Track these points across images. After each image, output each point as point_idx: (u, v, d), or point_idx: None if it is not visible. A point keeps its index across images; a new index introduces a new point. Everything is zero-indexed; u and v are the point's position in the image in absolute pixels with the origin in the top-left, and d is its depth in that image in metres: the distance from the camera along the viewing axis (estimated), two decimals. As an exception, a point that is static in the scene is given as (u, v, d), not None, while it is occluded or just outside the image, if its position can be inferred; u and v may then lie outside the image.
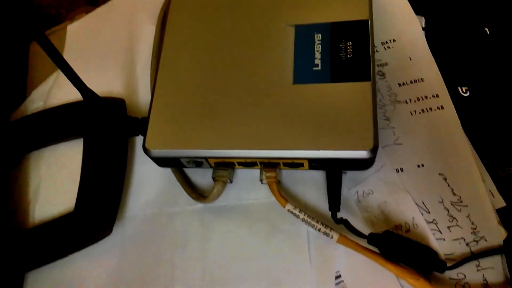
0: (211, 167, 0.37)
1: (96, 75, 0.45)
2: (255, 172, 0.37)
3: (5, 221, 0.41)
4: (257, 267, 0.36)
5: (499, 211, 0.35)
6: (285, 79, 0.35)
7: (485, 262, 0.33)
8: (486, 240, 0.33)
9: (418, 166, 0.36)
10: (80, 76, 0.36)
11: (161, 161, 0.37)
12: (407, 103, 0.39)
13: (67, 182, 0.40)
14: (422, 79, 0.40)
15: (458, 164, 0.36)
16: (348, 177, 0.37)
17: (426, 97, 0.39)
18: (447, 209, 0.35)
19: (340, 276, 0.34)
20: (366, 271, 0.34)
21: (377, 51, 0.42)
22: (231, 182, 0.38)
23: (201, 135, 0.35)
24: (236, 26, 0.39)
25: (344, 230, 0.34)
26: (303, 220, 0.34)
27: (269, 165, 0.35)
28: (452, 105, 0.38)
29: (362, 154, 0.32)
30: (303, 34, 0.37)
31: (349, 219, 0.34)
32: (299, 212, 0.34)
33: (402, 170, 0.37)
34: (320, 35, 0.36)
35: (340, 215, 0.34)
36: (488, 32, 0.43)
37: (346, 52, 0.35)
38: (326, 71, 0.35)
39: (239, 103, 0.35)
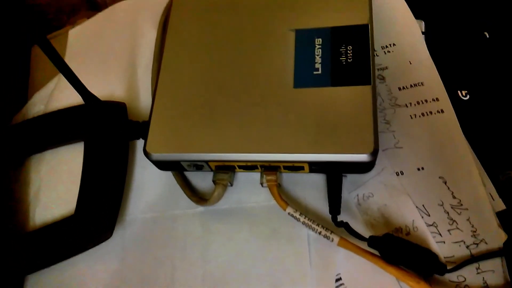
0: (211, 170, 0.37)
1: (97, 79, 0.45)
2: (256, 175, 0.37)
3: (5, 223, 0.41)
4: (257, 270, 0.36)
5: (499, 214, 0.35)
6: (286, 83, 0.35)
7: (485, 264, 0.33)
8: (486, 243, 0.33)
9: (418, 169, 0.37)
10: (81, 80, 0.36)
11: (162, 165, 0.37)
12: (407, 106, 0.39)
13: (68, 185, 0.40)
14: (422, 83, 0.40)
15: (458, 167, 0.36)
16: (349, 180, 0.37)
17: (426, 100, 0.39)
18: (447, 212, 0.35)
19: (340, 279, 0.34)
20: (366, 274, 0.34)
21: (377, 55, 0.42)
22: (231, 185, 0.38)
23: (202, 139, 0.35)
24: (237, 30, 0.39)
25: (344, 233, 0.34)
26: (303, 223, 0.34)
27: (269, 168, 0.36)
28: (452, 108, 0.38)
29: (363, 157, 0.32)
30: (304, 38, 0.37)
31: (349, 222, 0.34)
32: (299, 215, 0.34)
33: (402, 173, 0.37)
34: (320, 39, 0.37)
35: (340, 218, 0.34)
36: (487, 36, 0.43)
37: (347, 56, 0.35)
38: (326, 75, 0.35)
39: (240, 107, 0.35)
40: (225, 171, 0.37)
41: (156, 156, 0.36)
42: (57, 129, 0.43)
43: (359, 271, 0.34)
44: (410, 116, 0.39)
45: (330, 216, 0.34)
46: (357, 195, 0.37)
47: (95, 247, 0.38)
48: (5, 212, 0.42)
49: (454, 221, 0.34)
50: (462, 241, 0.34)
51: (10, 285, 0.39)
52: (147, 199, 0.40)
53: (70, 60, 0.47)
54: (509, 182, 0.37)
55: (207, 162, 0.35)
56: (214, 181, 0.37)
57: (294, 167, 0.35)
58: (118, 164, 0.40)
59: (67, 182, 0.41)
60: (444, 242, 0.34)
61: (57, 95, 0.47)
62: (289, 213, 0.35)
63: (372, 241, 0.33)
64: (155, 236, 0.38)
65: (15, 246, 0.38)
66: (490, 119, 0.39)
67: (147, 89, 0.44)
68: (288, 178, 0.38)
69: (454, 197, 0.35)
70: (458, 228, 0.34)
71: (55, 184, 0.42)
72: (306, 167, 0.35)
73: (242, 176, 0.39)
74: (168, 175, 0.40)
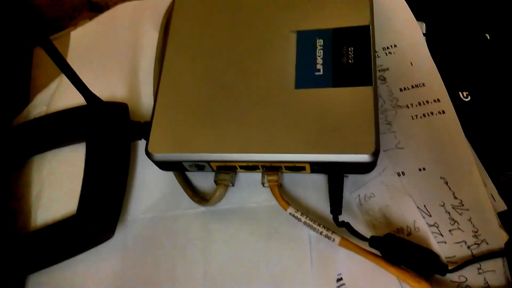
0: (213, 170, 0.37)
1: (99, 79, 0.46)
2: (257, 175, 0.37)
3: (7, 224, 0.41)
4: (258, 270, 0.36)
5: (500, 215, 0.35)
6: (287, 84, 0.36)
7: (486, 265, 0.33)
8: (487, 243, 0.33)
9: (420, 169, 0.37)
10: (83, 81, 0.36)
11: (164, 165, 0.38)
12: (408, 107, 0.39)
13: (70, 185, 0.40)
14: (423, 84, 0.40)
15: (459, 167, 0.36)
16: (350, 180, 0.37)
17: (427, 101, 0.39)
18: (449, 213, 0.35)
19: (341, 279, 0.34)
20: (367, 274, 0.34)
21: (378, 57, 0.42)
22: (233, 185, 0.38)
23: (203, 139, 0.35)
24: (239, 31, 0.39)
25: (345, 233, 0.34)
26: (304, 223, 0.34)
27: (271, 168, 0.36)
28: (453, 109, 0.38)
29: (364, 158, 0.32)
30: (305, 39, 0.37)
31: (350, 222, 0.34)
32: (300, 215, 0.35)
33: (403, 173, 0.37)
34: (322, 40, 0.37)
35: (341, 218, 0.34)
36: (488, 38, 0.43)
37: (348, 57, 0.35)
38: (328, 76, 0.35)
39: (241, 108, 0.35)
40: (226, 172, 0.37)
41: (158, 156, 0.36)
42: (59, 129, 0.43)
43: (360, 271, 0.34)
44: (412, 117, 0.39)
45: (332, 216, 0.34)
46: (359, 196, 0.37)
47: (96, 247, 0.39)
48: (7, 213, 0.42)
49: (456, 221, 0.34)
50: (463, 241, 0.34)
51: (12, 285, 0.39)
52: (149, 199, 0.40)
53: (72, 61, 0.47)
54: (510, 183, 0.37)
55: (208, 162, 0.36)
56: (215, 182, 0.37)
57: (296, 167, 0.35)
58: (120, 164, 0.40)
59: (69, 183, 0.41)
60: (445, 242, 0.34)
61: (59, 96, 0.47)
62: (290, 213, 0.35)
63: (373, 241, 0.33)
64: (156, 236, 0.39)
65: (16, 246, 0.38)
66: (491, 120, 0.40)
67: (149, 89, 0.44)
68: (289, 179, 0.38)
69: (455, 198, 0.35)
70: (459, 229, 0.34)
71: (57, 184, 0.42)
72: (308, 167, 0.35)
73: (243, 177, 0.39)
74: (169, 176, 0.40)
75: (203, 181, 0.40)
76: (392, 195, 0.36)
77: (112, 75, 0.46)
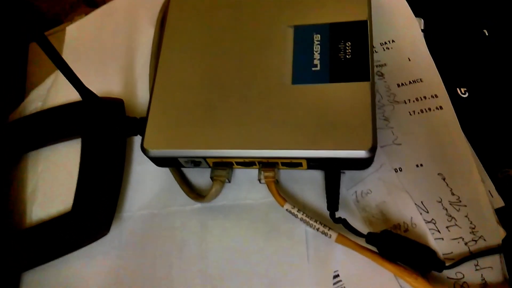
0: (209, 167, 0.37)
1: (95, 75, 0.46)
2: (254, 172, 0.37)
3: (2, 220, 0.41)
4: (255, 266, 0.36)
5: (498, 211, 0.35)
6: (284, 80, 0.35)
7: (483, 261, 0.33)
8: (484, 239, 0.33)
9: (417, 166, 0.36)
10: (79, 77, 0.36)
11: (159, 161, 0.37)
12: (406, 103, 0.39)
13: (65, 181, 0.40)
14: (421, 79, 0.40)
15: (457, 164, 0.36)
16: (347, 176, 0.37)
17: (425, 97, 0.39)
18: (446, 209, 0.35)
19: (338, 275, 0.34)
20: (364, 270, 0.34)
21: (376, 52, 0.42)
22: (229, 181, 0.38)
23: (200, 135, 0.35)
24: (235, 26, 0.39)
25: (342, 229, 0.34)
26: (301, 219, 0.34)
27: (267, 164, 0.35)
28: (451, 105, 0.38)
29: (361, 153, 0.32)
30: (302, 34, 0.37)
31: (347, 219, 0.34)
32: (297, 211, 0.34)
33: (401, 169, 0.37)
34: (319, 35, 0.36)
35: (338, 214, 0.34)
36: (486, 34, 0.43)
37: (345, 52, 0.35)
38: (325, 72, 0.35)
39: (238, 103, 0.35)
40: (223, 168, 0.37)
41: (154, 152, 0.35)
42: (54, 125, 0.43)
43: (357, 267, 0.34)
44: (409, 112, 0.39)
45: (328, 212, 0.34)
46: (356, 192, 0.36)
47: (92, 243, 0.38)
48: (2, 209, 0.41)
49: (453, 217, 0.34)
50: (460, 237, 0.34)
51: (7, 282, 0.38)
52: (145, 196, 0.40)
53: (68, 56, 0.47)
54: (507, 180, 0.37)
55: (204, 158, 0.35)
56: (211, 178, 0.37)
57: (292, 163, 0.35)
58: (115, 160, 0.40)
59: (64, 179, 0.41)
60: (442, 238, 0.34)
61: (55, 92, 0.47)
62: (287, 210, 0.35)
63: (370, 238, 0.33)
64: (152, 232, 0.38)
65: (12, 243, 0.38)
66: (489, 117, 0.39)
67: (144, 85, 0.44)
68: (286, 175, 0.38)
69: (453, 194, 0.35)
70: (456, 225, 0.34)
71: (52, 180, 0.42)
72: (304, 163, 0.34)
73: (240, 173, 0.39)
74: (165, 172, 0.40)
75: (199, 177, 0.40)
76: (389, 191, 0.36)
77: (108, 71, 0.46)
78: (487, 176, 0.37)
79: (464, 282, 0.32)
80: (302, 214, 0.34)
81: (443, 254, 0.33)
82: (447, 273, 0.33)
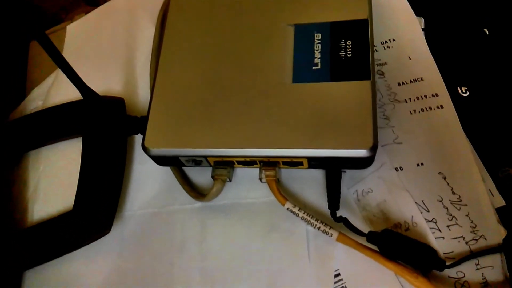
0: (210, 166, 0.37)
1: (96, 74, 0.45)
2: (255, 171, 0.37)
3: (4, 219, 0.41)
4: (256, 265, 0.36)
5: (498, 210, 0.35)
6: (285, 78, 0.35)
7: (484, 260, 0.33)
8: (485, 238, 0.33)
9: (418, 165, 0.37)
10: (79, 75, 0.36)
11: (160, 160, 0.37)
12: (406, 102, 0.39)
13: (66, 180, 0.40)
14: (421, 78, 0.40)
15: (458, 163, 0.36)
16: (348, 175, 0.37)
17: (425, 96, 0.39)
18: (447, 208, 0.35)
19: (339, 274, 0.34)
20: (365, 269, 0.34)
21: (376, 51, 0.42)
22: (230, 181, 0.38)
23: (201, 134, 0.35)
24: (236, 25, 0.39)
25: (343, 228, 0.34)
26: (302, 218, 0.34)
27: (268, 163, 0.35)
28: (452, 104, 0.38)
29: (362, 152, 0.32)
30: (303, 33, 0.37)
31: (348, 218, 0.34)
32: (298, 210, 0.34)
33: (401, 168, 0.37)
34: (319, 34, 0.36)
35: (339, 213, 0.34)
36: (487, 33, 0.43)
37: (346, 51, 0.35)
38: (325, 70, 0.35)
39: (239, 102, 0.35)
40: (224, 167, 0.37)
41: (155, 151, 0.35)
42: (55, 124, 0.43)
43: (358, 266, 0.34)
44: (410, 111, 0.38)
45: (329, 211, 0.34)
46: (356, 191, 0.36)
47: (93, 242, 0.38)
48: (3, 208, 0.41)
49: (454, 216, 0.34)
50: (461, 237, 0.34)
51: (9, 281, 0.39)
52: (146, 195, 0.40)
53: (68, 55, 0.46)
54: (508, 179, 0.37)
55: (205, 157, 0.35)
56: (213, 177, 0.37)
57: (293, 162, 0.35)
58: (116, 159, 0.40)
59: (65, 178, 0.41)
60: (443, 238, 0.34)
61: (55, 91, 0.47)
62: (288, 209, 0.35)
63: (371, 237, 0.33)
64: (153, 231, 0.38)
65: (13, 242, 0.38)
66: (490, 116, 0.39)
67: (145, 84, 0.44)
68: (287, 174, 0.38)
69: (453, 193, 0.35)
70: (457, 224, 0.34)
71: (53, 179, 0.42)
72: (305, 162, 0.34)
73: (241, 172, 0.39)
74: (166, 171, 0.40)
75: (200, 176, 0.40)
76: (390, 190, 0.36)
77: (109, 69, 0.46)
78: (488, 175, 0.36)
79: (465, 281, 0.32)
80: (303, 213, 0.34)
81: (443, 253, 0.33)
82: (448, 272, 0.33)
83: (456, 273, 0.33)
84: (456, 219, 0.34)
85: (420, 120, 0.38)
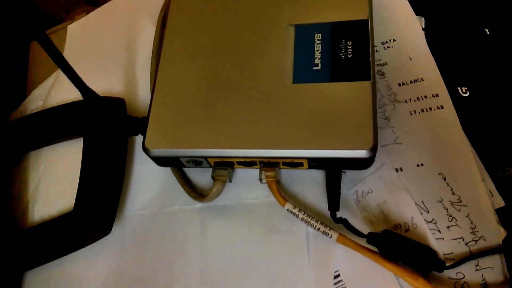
0: (210, 166, 0.37)
1: (96, 74, 0.45)
2: (255, 171, 0.37)
3: (4, 220, 0.41)
4: (256, 266, 0.36)
5: (498, 211, 0.35)
6: (285, 79, 0.35)
7: (484, 261, 0.33)
8: (485, 239, 0.33)
9: (418, 165, 0.36)
10: (80, 76, 0.36)
11: (161, 161, 0.37)
12: (406, 102, 0.39)
13: (67, 181, 0.40)
14: (422, 78, 0.40)
15: (458, 163, 0.36)
16: (348, 176, 0.37)
17: (426, 96, 0.39)
18: (447, 209, 0.35)
19: (339, 275, 0.34)
20: (365, 270, 0.34)
21: (377, 51, 0.42)
22: (230, 181, 0.38)
23: (201, 135, 0.35)
24: (236, 25, 0.39)
25: (343, 229, 0.34)
26: (302, 219, 0.34)
27: (268, 164, 0.35)
28: (452, 104, 0.38)
29: (362, 153, 0.32)
30: (303, 33, 0.37)
31: (348, 219, 0.34)
32: (298, 211, 0.34)
33: (401, 169, 0.37)
34: (320, 34, 0.36)
35: (339, 214, 0.34)
36: (488, 33, 0.43)
37: (346, 51, 0.35)
38: (326, 71, 0.35)
39: (239, 103, 0.35)
40: (224, 167, 0.37)
41: (155, 152, 0.35)
42: (56, 125, 0.43)
43: (358, 267, 0.34)
44: (410, 112, 0.38)
45: (329, 212, 0.34)
46: (356, 192, 0.36)
47: (94, 243, 0.38)
48: (4, 208, 0.42)
49: (454, 217, 0.34)
50: (461, 238, 0.34)
51: (9, 282, 0.39)
52: (146, 195, 0.40)
53: (69, 55, 0.47)
54: (508, 179, 0.37)
55: (206, 158, 0.35)
56: (213, 177, 0.37)
57: (293, 163, 0.35)
58: (117, 160, 0.40)
59: (66, 178, 0.41)
60: (443, 238, 0.34)
61: (56, 91, 0.47)
62: (288, 209, 0.35)
63: (370, 238, 0.33)
64: (153, 232, 0.38)
65: (14, 242, 0.38)
66: (490, 116, 0.39)
67: (146, 84, 0.44)
68: (287, 175, 0.38)
69: (453, 194, 0.35)
70: (457, 225, 0.34)
71: (54, 180, 0.42)
72: (305, 163, 0.34)
73: (241, 173, 0.39)
74: (167, 171, 0.40)
75: (201, 177, 0.40)
76: (390, 191, 0.36)
77: (109, 70, 0.46)
78: (488, 175, 0.36)
79: (465, 282, 0.32)
80: (303, 214, 0.34)
81: (443, 254, 0.33)
82: (448, 273, 0.33)
83: (456, 274, 0.33)
84: (456, 220, 0.34)
85: (420, 120, 0.38)
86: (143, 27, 0.48)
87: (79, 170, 0.39)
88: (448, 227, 0.34)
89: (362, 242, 0.33)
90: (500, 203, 0.35)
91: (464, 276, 0.33)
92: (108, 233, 0.38)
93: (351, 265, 0.34)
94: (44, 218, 0.40)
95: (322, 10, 0.37)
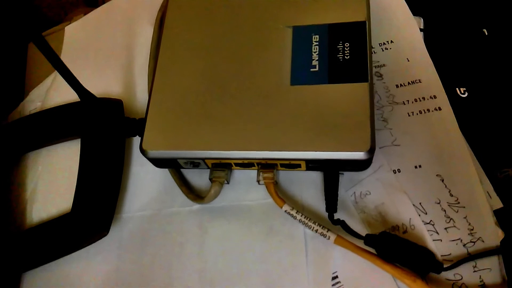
0: (208, 168, 0.37)
1: (94, 76, 0.46)
2: (252, 173, 0.37)
3: (2, 221, 0.41)
4: (254, 268, 0.36)
5: (496, 212, 0.35)
6: (283, 80, 0.35)
7: (482, 263, 0.33)
8: (483, 241, 0.33)
9: (416, 167, 0.36)
10: (78, 77, 0.36)
11: (158, 162, 0.37)
12: (404, 104, 0.39)
13: (64, 182, 0.40)
14: (419, 80, 0.40)
15: (456, 165, 0.36)
16: (346, 178, 0.37)
17: (423, 98, 0.39)
18: (444, 210, 0.35)
19: (337, 277, 0.34)
20: (363, 272, 0.34)
21: (374, 52, 0.42)
22: (228, 183, 0.38)
23: (198, 136, 0.35)
24: (234, 27, 0.39)
25: (341, 231, 0.34)
26: (300, 221, 0.34)
27: (266, 166, 0.35)
28: (450, 106, 0.38)
29: (360, 155, 0.32)
30: (301, 35, 0.37)
31: (346, 220, 0.34)
32: (296, 213, 0.34)
33: (399, 171, 0.37)
34: (317, 36, 0.36)
35: (337, 216, 0.34)
36: (486, 33, 0.43)
37: (344, 53, 0.35)
38: (323, 72, 0.35)
39: (236, 104, 0.35)
40: (221, 169, 0.37)
41: (153, 153, 0.35)
42: (53, 126, 0.43)
43: (356, 269, 0.34)
44: (408, 113, 0.38)
45: (327, 214, 0.34)
46: (354, 193, 0.36)
47: (91, 244, 0.38)
48: (1, 210, 0.41)
49: (451, 219, 0.34)
50: (459, 239, 0.34)
51: (7, 283, 0.39)
52: (144, 197, 0.40)
53: (67, 56, 0.48)
54: (506, 180, 0.37)
55: (203, 159, 0.35)
56: (210, 179, 0.37)
57: (291, 164, 0.35)
58: (114, 161, 0.40)
59: (63, 179, 0.41)
60: (441, 240, 0.34)
61: (54, 92, 0.47)
62: (285, 211, 0.35)
63: (368, 239, 0.33)
64: (151, 233, 0.38)
65: (12, 244, 0.38)
66: (488, 117, 0.39)
67: (143, 86, 0.44)
68: (285, 176, 0.38)
69: (451, 195, 0.35)
70: (455, 226, 0.34)
71: (52, 181, 0.42)
72: (303, 164, 0.34)
73: (238, 174, 0.39)
74: (164, 173, 0.40)
75: (198, 178, 0.40)
76: (388, 193, 0.36)
77: (107, 71, 0.46)
78: (486, 176, 0.37)
79: (463, 283, 0.32)
80: (301, 216, 0.34)
81: (441, 256, 0.33)
82: (446, 274, 0.33)
83: (454, 275, 0.33)
84: (454, 221, 0.34)
85: (418, 122, 0.38)
86: (141, 28, 0.47)
87: (77, 171, 0.39)
88: (446, 228, 0.34)
89: (360, 243, 0.33)
90: (498, 204, 0.35)
91: (462, 278, 0.33)
92: (105, 235, 0.38)
93: (349, 267, 0.34)
94: (42, 219, 0.40)
95: (319, 12, 0.37)
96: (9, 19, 0.51)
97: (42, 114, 0.44)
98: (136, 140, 0.42)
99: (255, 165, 0.36)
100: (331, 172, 0.35)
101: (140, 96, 0.44)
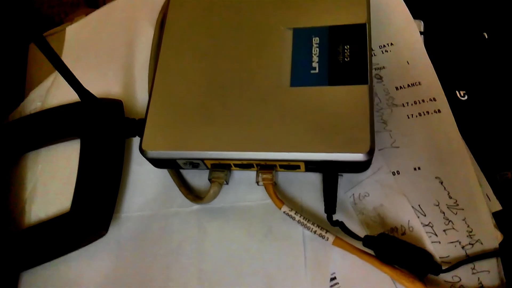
0: (207, 168, 0.37)
1: (94, 76, 0.46)
2: (252, 173, 0.37)
3: (1, 220, 0.41)
4: (252, 268, 0.36)
5: (495, 215, 0.35)
6: (283, 82, 0.35)
7: (480, 265, 0.33)
8: (481, 243, 0.33)
9: (415, 169, 0.37)
10: (78, 77, 0.36)
11: (158, 162, 0.37)
12: (404, 106, 0.39)
13: (64, 182, 0.40)
14: (419, 82, 0.40)
15: (455, 167, 0.36)
16: (345, 179, 0.37)
17: (423, 100, 0.39)
18: (443, 212, 0.35)
19: (335, 278, 0.34)
20: (361, 274, 0.34)
21: (374, 55, 0.42)
22: (227, 183, 0.38)
23: (198, 137, 0.35)
24: (234, 28, 0.39)
25: (339, 232, 0.34)
26: (299, 222, 0.34)
27: (265, 167, 0.35)
28: (449, 108, 0.38)
29: (359, 157, 0.32)
30: (301, 37, 0.37)
31: (345, 222, 0.34)
32: (295, 214, 0.34)
33: (398, 173, 0.37)
34: (318, 38, 0.37)
35: (336, 217, 0.34)
36: (486, 36, 0.43)
37: (344, 55, 0.35)
38: (323, 74, 0.35)
39: (236, 105, 0.35)
40: (221, 170, 0.37)
41: (152, 153, 0.35)
42: (53, 126, 0.43)
43: (354, 270, 0.34)
44: (407, 115, 0.39)
45: (326, 215, 0.34)
46: (353, 195, 0.36)
47: (90, 244, 0.38)
48: (1, 209, 0.41)
49: (450, 221, 0.34)
50: (457, 241, 0.34)
51: (5, 282, 0.39)
52: (143, 197, 0.40)
53: (68, 57, 0.48)
54: (506, 183, 0.37)
55: (203, 160, 0.35)
56: (210, 179, 0.37)
57: (290, 166, 0.35)
58: (114, 161, 0.40)
59: (63, 179, 0.41)
60: (439, 242, 0.34)
61: (54, 92, 0.47)
62: (284, 212, 0.35)
63: (367, 241, 0.33)
64: (150, 233, 0.38)
65: (10, 243, 0.38)
66: (488, 119, 0.39)
67: (143, 86, 0.44)
68: (284, 177, 0.38)
69: (450, 197, 0.35)
70: (454, 228, 0.34)
71: (51, 181, 0.42)
72: (302, 166, 0.35)
73: (238, 175, 0.39)
74: (164, 173, 0.40)
75: (198, 179, 0.40)
76: (387, 194, 0.36)
77: (107, 71, 0.46)
78: (485, 179, 0.37)
79: (461, 285, 0.32)
80: (300, 217, 0.34)
81: (440, 258, 0.33)
82: (444, 276, 0.33)
83: (452, 277, 0.33)
84: (453, 224, 0.34)
85: (417, 124, 0.38)
86: (142, 29, 0.48)
87: (76, 171, 0.39)
88: (444, 230, 0.34)
89: (359, 245, 0.33)
90: (497, 206, 0.35)
91: (460, 280, 0.33)
92: (104, 234, 0.38)
93: (347, 268, 0.34)
94: (41, 219, 0.40)
95: (320, 14, 0.37)
96: (10, 20, 0.51)
97: (42, 114, 0.44)
98: (136, 140, 0.42)
99: (254, 166, 0.36)
100: (330, 173, 0.35)
101: (140, 96, 0.44)
